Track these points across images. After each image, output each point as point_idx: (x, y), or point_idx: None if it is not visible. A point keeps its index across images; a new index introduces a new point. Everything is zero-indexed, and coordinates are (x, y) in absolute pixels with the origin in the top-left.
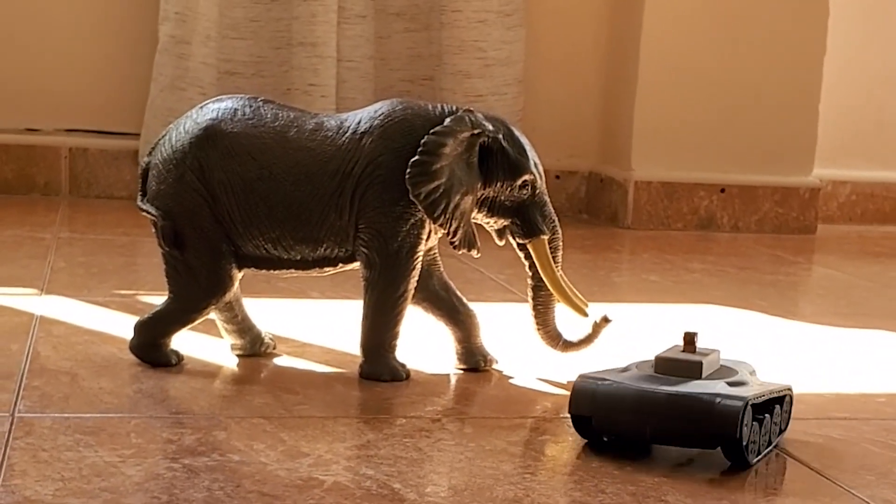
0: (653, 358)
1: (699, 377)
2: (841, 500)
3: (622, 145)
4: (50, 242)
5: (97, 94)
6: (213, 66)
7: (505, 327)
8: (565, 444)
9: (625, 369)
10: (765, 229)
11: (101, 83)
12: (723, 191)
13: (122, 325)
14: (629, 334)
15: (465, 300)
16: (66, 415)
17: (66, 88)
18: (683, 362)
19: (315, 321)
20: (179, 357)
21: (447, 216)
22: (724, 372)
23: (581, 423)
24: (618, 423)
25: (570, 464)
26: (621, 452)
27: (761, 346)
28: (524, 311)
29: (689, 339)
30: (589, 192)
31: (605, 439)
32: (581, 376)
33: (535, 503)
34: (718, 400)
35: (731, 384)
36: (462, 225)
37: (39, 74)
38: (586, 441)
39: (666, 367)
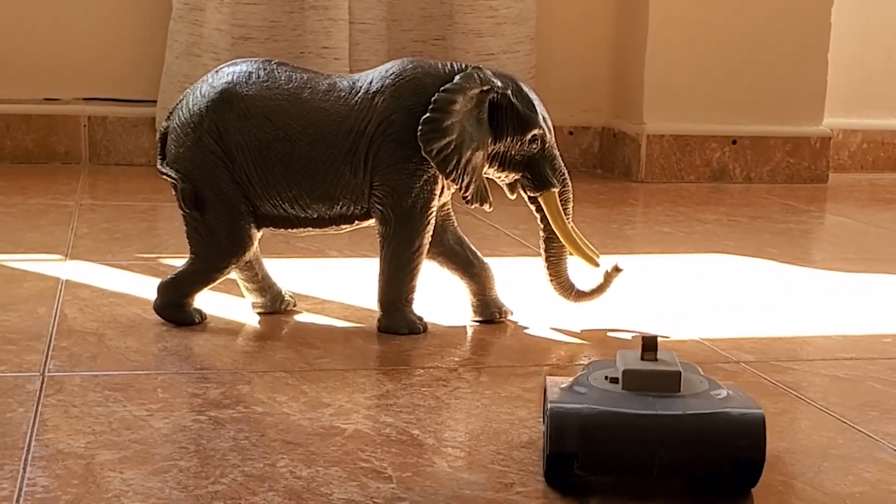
0: (592, 368)
1: (678, 391)
2: (846, 435)
3: (634, 100)
4: (73, 209)
5: (114, 63)
6: (227, 32)
7: (519, 280)
8: None
9: (578, 389)
10: (777, 179)
11: (117, 52)
12: (734, 142)
13: (146, 287)
14: (641, 284)
15: (479, 254)
16: (94, 373)
17: (83, 58)
18: (659, 375)
19: (334, 279)
20: (202, 316)
21: (459, 171)
22: (689, 379)
23: (561, 462)
24: (617, 457)
25: None
26: None
27: (772, 293)
28: (538, 265)
29: (651, 344)
30: (602, 147)
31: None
32: (553, 404)
33: None
34: (738, 417)
35: (716, 395)
36: (474, 180)
37: (57, 45)
38: (557, 485)
39: (638, 382)
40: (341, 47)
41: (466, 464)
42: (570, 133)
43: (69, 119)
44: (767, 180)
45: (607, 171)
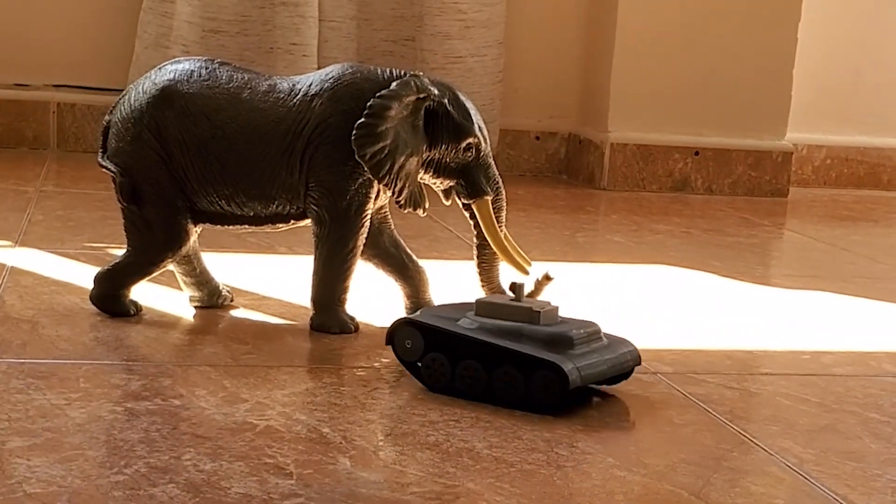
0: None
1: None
2: (742, 448)
3: (600, 107)
4: (32, 195)
5: (84, 51)
6: (198, 25)
7: (457, 284)
8: None
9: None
10: (738, 192)
11: (88, 39)
12: (697, 153)
13: (89, 277)
14: (575, 293)
15: (414, 257)
16: (21, 360)
17: (54, 44)
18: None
19: (278, 276)
20: (138, 308)
21: (392, 176)
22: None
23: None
24: None
25: (494, 412)
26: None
27: (704, 306)
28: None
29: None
30: (568, 154)
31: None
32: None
33: (454, 447)
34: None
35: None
36: (407, 185)
37: (28, 30)
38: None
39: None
40: (310, 44)
41: (368, 463)
42: (537, 138)
43: (38, 105)
44: (728, 192)
45: (572, 178)
